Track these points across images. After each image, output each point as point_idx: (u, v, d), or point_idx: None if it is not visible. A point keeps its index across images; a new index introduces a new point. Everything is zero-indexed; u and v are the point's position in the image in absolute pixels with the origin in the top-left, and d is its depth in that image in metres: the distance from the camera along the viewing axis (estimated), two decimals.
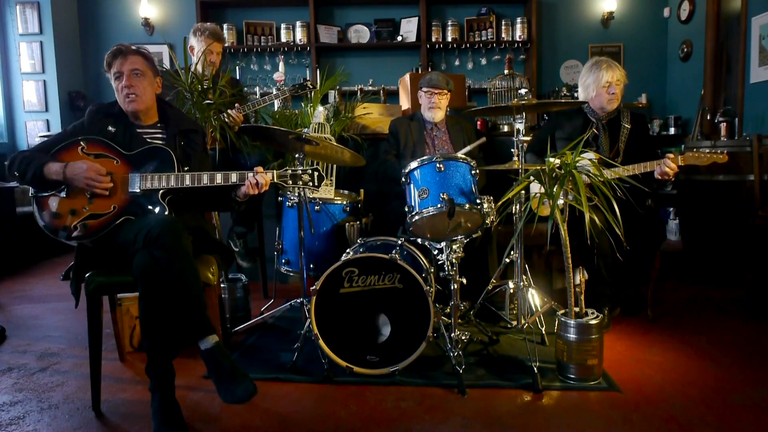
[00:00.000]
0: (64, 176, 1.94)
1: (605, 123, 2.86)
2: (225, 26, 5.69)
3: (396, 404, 2.00)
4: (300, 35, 5.72)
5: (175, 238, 1.85)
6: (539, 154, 2.89)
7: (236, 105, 2.97)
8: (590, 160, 2.29)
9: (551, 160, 2.19)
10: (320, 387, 2.15)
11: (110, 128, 2.10)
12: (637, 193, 2.44)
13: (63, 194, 1.98)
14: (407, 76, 3.91)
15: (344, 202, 2.76)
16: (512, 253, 2.57)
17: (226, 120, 2.87)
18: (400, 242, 2.41)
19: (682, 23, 5.45)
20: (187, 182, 2.03)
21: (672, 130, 5.38)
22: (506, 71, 3.96)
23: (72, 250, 2.07)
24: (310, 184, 2.13)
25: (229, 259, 2.35)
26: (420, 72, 5.32)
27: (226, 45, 5.59)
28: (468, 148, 2.78)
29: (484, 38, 5.74)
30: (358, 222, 2.72)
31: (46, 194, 1.98)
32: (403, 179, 2.39)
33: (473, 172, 2.35)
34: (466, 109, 2.82)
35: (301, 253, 2.46)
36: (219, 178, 2.05)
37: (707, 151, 2.56)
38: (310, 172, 2.13)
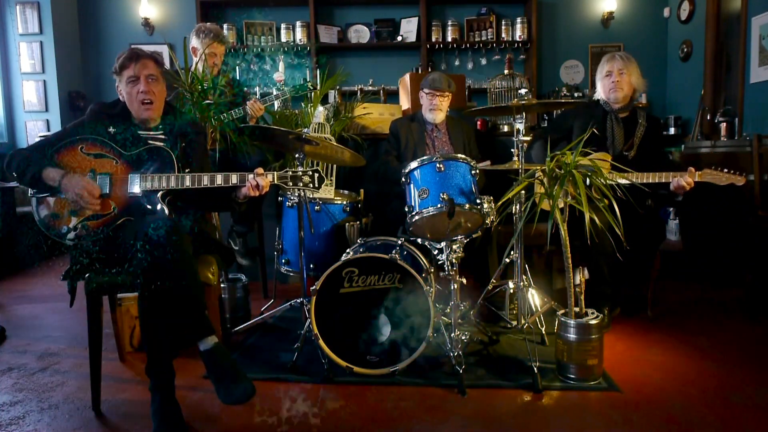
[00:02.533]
0: (60, 183, 1.94)
1: (621, 118, 2.87)
2: (225, 26, 5.68)
3: (396, 404, 2.00)
4: (300, 35, 5.72)
5: (176, 239, 1.85)
6: (553, 142, 2.86)
7: (254, 97, 3.01)
8: (602, 161, 2.28)
9: (550, 160, 2.19)
10: (320, 387, 2.15)
11: (111, 129, 2.10)
12: (637, 193, 2.44)
13: (63, 195, 1.97)
14: (407, 76, 3.91)
15: (344, 202, 2.76)
16: (512, 253, 2.57)
17: (248, 111, 2.91)
18: (400, 242, 2.41)
19: (682, 23, 5.45)
20: (188, 183, 2.03)
21: (672, 130, 5.38)
22: (506, 71, 3.96)
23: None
24: (311, 185, 2.13)
25: (229, 259, 2.35)
26: (420, 72, 5.32)
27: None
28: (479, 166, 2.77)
29: (484, 38, 5.73)
30: (358, 222, 2.72)
31: (46, 194, 1.98)
32: (403, 179, 2.39)
33: (473, 172, 2.35)
34: (466, 109, 2.83)
35: (301, 253, 2.46)
36: (219, 179, 2.05)
37: (726, 170, 2.55)
38: (310, 173, 2.13)
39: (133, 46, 2.15)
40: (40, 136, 5.04)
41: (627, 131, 2.84)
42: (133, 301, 2.49)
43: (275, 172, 2.11)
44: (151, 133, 2.18)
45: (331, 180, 2.92)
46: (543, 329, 2.58)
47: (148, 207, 2.03)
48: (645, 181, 2.54)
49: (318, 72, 5.22)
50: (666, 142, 5.32)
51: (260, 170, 2.07)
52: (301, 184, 2.13)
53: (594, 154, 2.31)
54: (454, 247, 2.26)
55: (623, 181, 2.30)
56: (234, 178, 2.06)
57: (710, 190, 3.47)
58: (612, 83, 2.82)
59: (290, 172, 2.12)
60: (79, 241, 1.98)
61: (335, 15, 5.91)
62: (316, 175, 2.13)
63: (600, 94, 2.93)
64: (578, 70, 5.83)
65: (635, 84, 2.86)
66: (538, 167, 2.27)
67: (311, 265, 2.67)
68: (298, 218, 2.45)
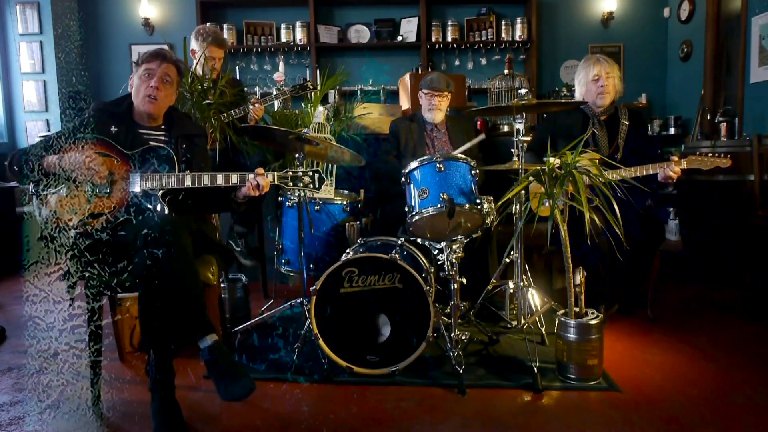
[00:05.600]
0: (60, 167, 1.93)
1: (603, 120, 2.87)
2: (225, 26, 5.68)
3: (396, 404, 2.00)
4: (300, 35, 5.72)
5: (175, 238, 1.85)
6: (539, 153, 2.89)
7: (253, 98, 3.00)
8: (590, 160, 2.29)
9: (551, 159, 2.19)
10: (320, 387, 2.15)
11: (112, 128, 2.10)
12: (637, 193, 2.44)
13: (63, 193, 1.98)
14: (407, 76, 3.91)
15: (344, 202, 2.76)
16: (512, 253, 2.57)
17: (250, 113, 2.90)
18: (400, 242, 2.41)
19: (682, 23, 5.45)
20: (188, 182, 2.03)
21: (672, 130, 5.38)
22: (506, 71, 3.96)
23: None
24: (311, 186, 2.13)
25: (229, 259, 2.35)
26: (420, 72, 5.31)
27: None
28: (467, 146, 2.77)
29: (484, 38, 5.73)
30: (358, 222, 2.72)
31: (46, 193, 1.99)
32: (403, 179, 2.39)
33: (473, 172, 2.35)
34: (466, 109, 2.83)
35: (301, 253, 2.46)
36: (219, 178, 2.05)
37: (710, 154, 2.56)
38: (310, 173, 2.13)
39: (160, 47, 2.21)
40: (40, 136, 5.04)
41: (610, 134, 2.84)
42: (133, 301, 2.48)
43: (275, 173, 2.12)
44: (153, 132, 2.18)
45: (331, 180, 2.92)
46: (543, 329, 2.58)
47: (149, 206, 2.03)
48: (633, 175, 2.54)
49: (318, 72, 5.24)
50: (662, 141, 5.33)
51: (260, 170, 2.08)
52: (302, 185, 2.13)
53: (585, 154, 2.31)
54: (454, 247, 2.26)
55: (612, 176, 2.29)
56: (234, 178, 2.06)
57: (710, 190, 3.48)
58: (601, 87, 2.80)
59: (290, 173, 2.13)
60: (79, 240, 1.98)
61: (335, 15, 5.91)
62: (317, 175, 2.13)
63: (582, 97, 2.89)
64: None
65: (617, 86, 2.86)
66: (537, 167, 2.27)
67: (311, 265, 2.67)
68: (298, 218, 2.45)
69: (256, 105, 2.97)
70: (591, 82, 2.82)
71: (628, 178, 2.46)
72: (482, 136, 2.75)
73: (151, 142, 2.14)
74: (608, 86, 2.80)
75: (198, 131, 2.31)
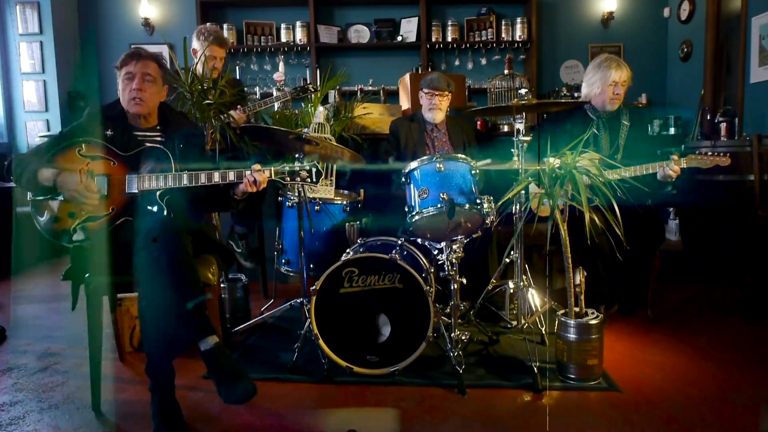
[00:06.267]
0: (55, 183, 1.94)
1: (605, 120, 2.87)
2: (225, 26, 5.68)
3: (396, 404, 2.00)
4: (300, 35, 5.72)
5: (175, 238, 1.85)
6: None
7: (238, 106, 2.97)
8: (590, 160, 2.29)
9: (551, 160, 2.19)
10: (320, 387, 2.15)
11: (108, 131, 2.10)
12: (637, 193, 2.44)
13: (61, 197, 1.97)
14: (407, 76, 3.91)
15: (344, 202, 2.76)
16: (512, 253, 2.57)
17: (228, 120, 2.88)
18: (400, 242, 2.41)
19: (682, 23, 5.45)
20: (185, 181, 2.03)
21: (672, 130, 5.37)
22: (506, 71, 3.97)
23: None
24: (308, 180, 2.13)
25: (229, 259, 2.35)
26: (420, 72, 5.31)
27: None
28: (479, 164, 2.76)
29: (484, 38, 5.73)
30: (358, 222, 2.72)
31: (44, 198, 1.99)
32: (403, 179, 2.39)
33: (473, 172, 2.35)
34: (466, 109, 2.82)
35: (301, 253, 2.46)
36: (217, 176, 2.05)
37: (710, 153, 2.57)
38: (308, 168, 2.13)
39: (136, 47, 2.18)
40: (40, 136, 5.04)
41: (612, 134, 2.84)
42: (133, 301, 2.48)
43: (272, 168, 2.11)
44: (149, 134, 2.18)
45: (331, 180, 2.92)
46: (543, 329, 2.58)
47: (147, 207, 2.03)
48: (633, 174, 2.54)
49: (318, 72, 5.24)
50: (662, 141, 5.31)
51: (257, 166, 2.07)
52: (299, 179, 2.12)
53: (585, 154, 2.31)
54: (454, 247, 2.26)
55: (612, 175, 2.29)
56: (231, 175, 2.06)
57: (710, 190, 3.48)
58: (615, 95, 2.78)
59: (287, 167, 2.12)
60: (78, 242, 1.98)
61: (335, 15, 5.91)
62: (314, 169, 2.13)
63: (590, 97, 2.87)
64: (578, 70, 5.83)
65: (625, 93, 2.85)
66: (537, 167, 2.27)
67: (311, 265, 2.67)
68: (298, 218, 2.45)
69: (236, 113, 2.94)
70: (608, 86, 2.78)
71: (628, 178, 2.46)
72: (489, 161, 2.71)
73: (147, 143, 2.13)
74: (621, 94, 2.79)
75: (195, 130, 2.31)
